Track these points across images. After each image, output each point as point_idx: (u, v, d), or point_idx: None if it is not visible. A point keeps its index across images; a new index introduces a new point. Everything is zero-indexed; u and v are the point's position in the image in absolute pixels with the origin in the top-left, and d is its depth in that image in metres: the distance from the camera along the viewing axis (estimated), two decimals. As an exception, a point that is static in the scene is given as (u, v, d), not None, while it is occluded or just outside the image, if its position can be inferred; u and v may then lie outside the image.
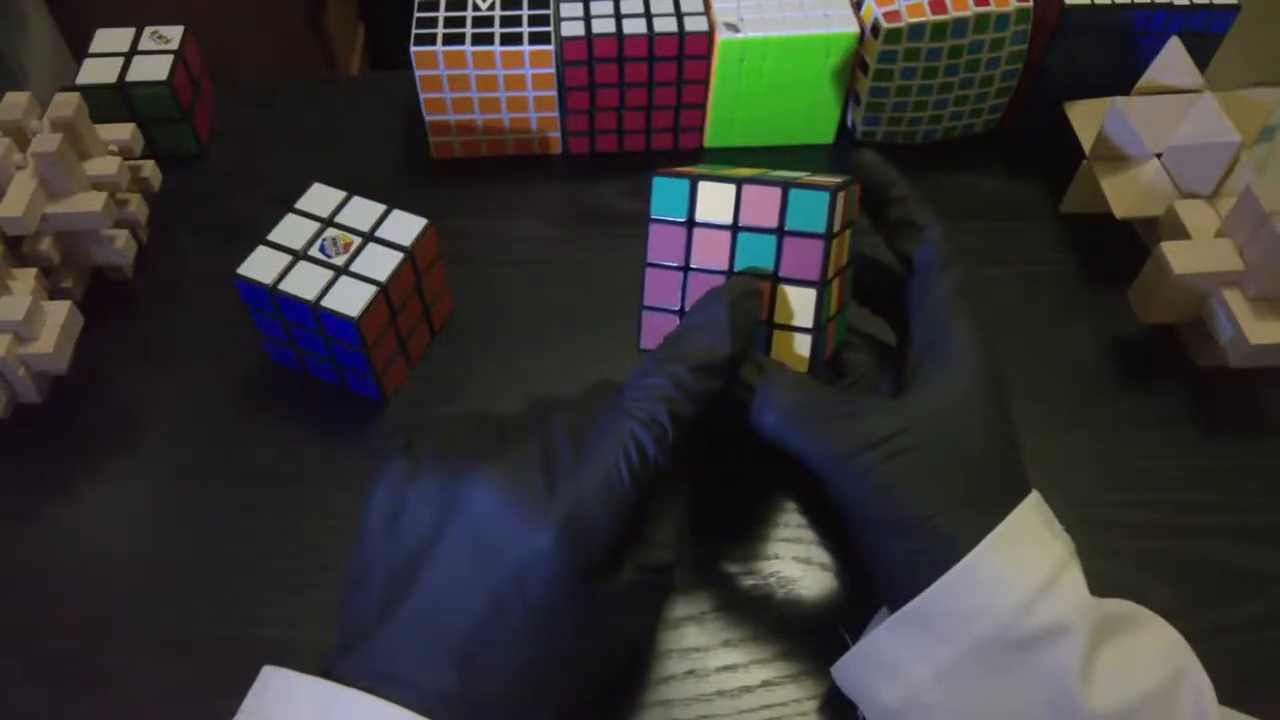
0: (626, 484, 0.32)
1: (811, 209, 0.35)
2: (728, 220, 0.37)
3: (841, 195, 0.36)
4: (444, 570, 0.31)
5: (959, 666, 0.32)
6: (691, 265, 0.38)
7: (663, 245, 0.38)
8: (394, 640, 0.31)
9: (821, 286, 0.36)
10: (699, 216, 0.37)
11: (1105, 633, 0.32)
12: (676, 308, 0.38)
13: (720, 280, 0.37)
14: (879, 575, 0.36)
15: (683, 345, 0.34)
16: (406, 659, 0.31)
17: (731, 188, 0.37)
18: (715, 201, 0.37)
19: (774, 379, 0.35)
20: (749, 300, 0.35)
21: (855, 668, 0.35)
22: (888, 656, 0.34)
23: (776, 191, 0.36)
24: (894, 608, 0.34)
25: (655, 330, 0.38)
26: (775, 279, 0.36)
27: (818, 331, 0.36)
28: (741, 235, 0.37)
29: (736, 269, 0.37)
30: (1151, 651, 0.33)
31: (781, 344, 0.37)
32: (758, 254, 0.36)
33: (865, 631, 0.37)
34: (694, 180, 0.37)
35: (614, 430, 0.33)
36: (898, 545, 0.33)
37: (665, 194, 0.38)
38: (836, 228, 0.36)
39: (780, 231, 0.36)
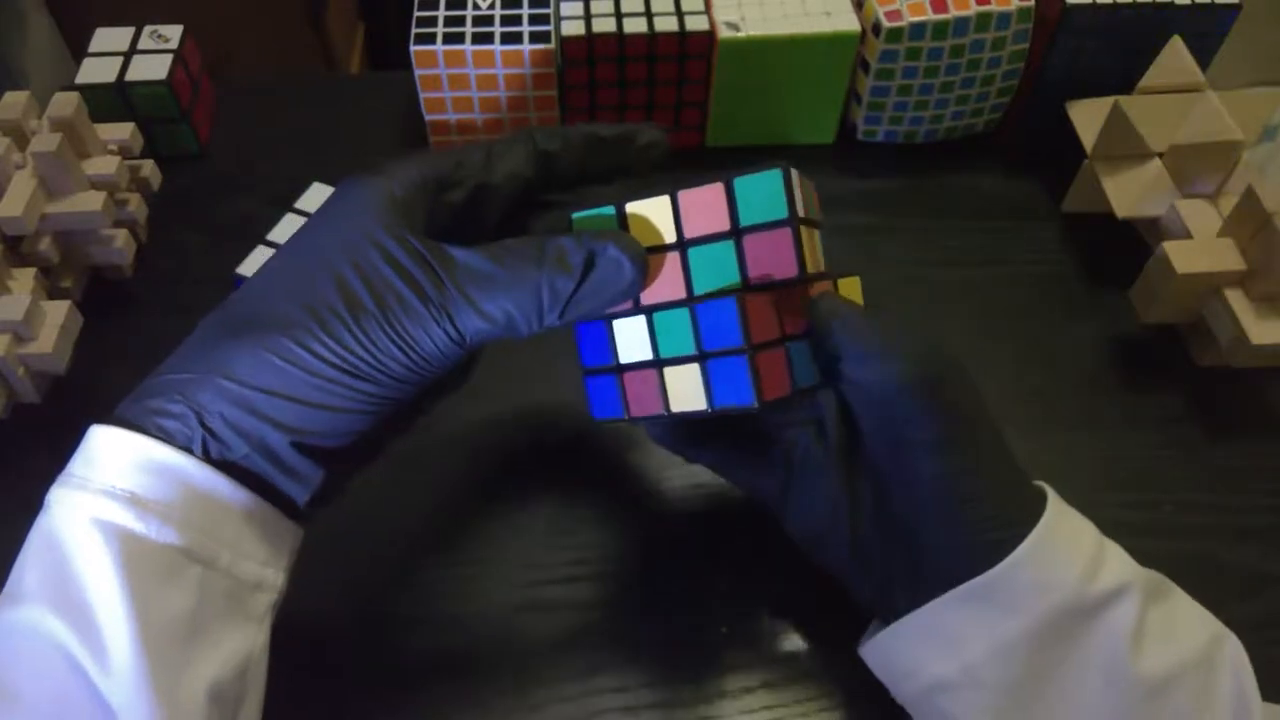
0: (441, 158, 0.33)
1: (765, 195, 0.30)
2: (672, 238, 0.32)
3: (796, 176, 0.31)
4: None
5: (1023, 640, 0.32)
6: (643, 304, 0.32)
7: None
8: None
9: (804, 281, 0.31)
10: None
11: (1151, 596, 0.33)
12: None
13: (685, 313, 0.31)
14: (915, 560, 0.34)
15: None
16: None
17: (665, 199, 0.31)
18: (651, 221, 0.32)
19: (888, 329, 0.32)
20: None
21: (905, 637, 0.34)
22: (947, 628, 0.33)
23: (719, 188, 0.31)
24: (908, 605, 0.34)
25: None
26: (746, 290, 0.31)
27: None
28: (693, 251, 0.31)
29: (698, 292, 0.32)
30: (1190, 619, 0.34)
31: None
32: (718, 267, 0.31)
33: (864, 638, 0.37)
34: (619, 205, 0.32)
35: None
36: (966, 516, 0.32)
37: (589, 229, 0.32)
38: (801, 211, 0.31)
39: (736, 231, 0.31)
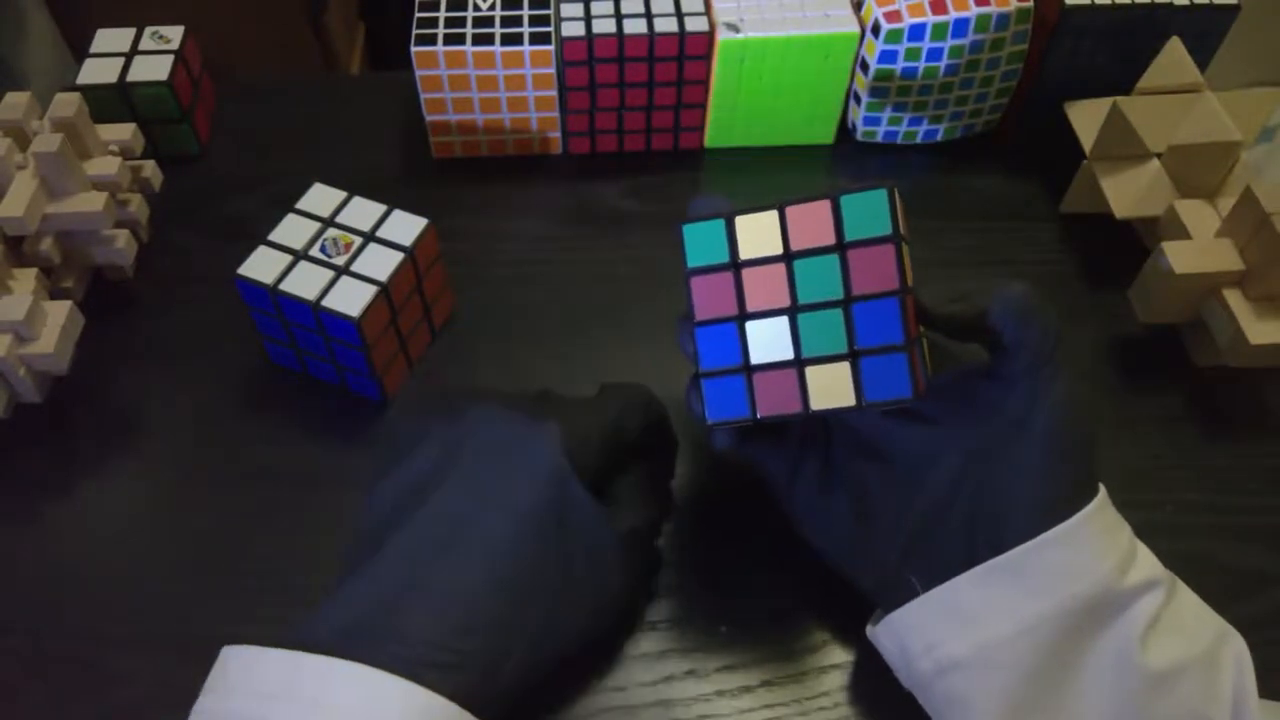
0: (610, 412, 0.37)
1: (870, 212, 0.32)
2: (778, 250, 0.33)
3: (896, 194, 0.33)
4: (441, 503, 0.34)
5: (1044, 624, 0.32)
6: (749, 310, 0.34)
7: (709, 297, 0.34)
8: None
9: (903, 294, 0.32)
10: (744, 255, 0.34)
11: (1168, 594, 0.33)
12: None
13: (784, 321, 0.33)
14: (954, 527, 0.34)
15: None
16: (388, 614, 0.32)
17: (773, 214, 0.33)
18: (758, 233, 0.34)
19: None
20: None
21: (925, 613, 0.34)
22: (967, 606, 0.33)
23: (825, 205, 0.33)
24: (934, 578, 0.34)
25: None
26: (849, 301, 0.33)
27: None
28: (798, 263, 0.33)
29: (801, 301, 0.33)
30: (1196, 615, 0.34)
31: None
32: (821, 279, 0.33)
33: (873, 621, 0.37)
34: (729, 217, 0.34)
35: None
36: (1036, 479, 0.33)
37: (699, 239, 0.34)
38: (902, 229, 0.32)
39: (841, 246, 0.33)
